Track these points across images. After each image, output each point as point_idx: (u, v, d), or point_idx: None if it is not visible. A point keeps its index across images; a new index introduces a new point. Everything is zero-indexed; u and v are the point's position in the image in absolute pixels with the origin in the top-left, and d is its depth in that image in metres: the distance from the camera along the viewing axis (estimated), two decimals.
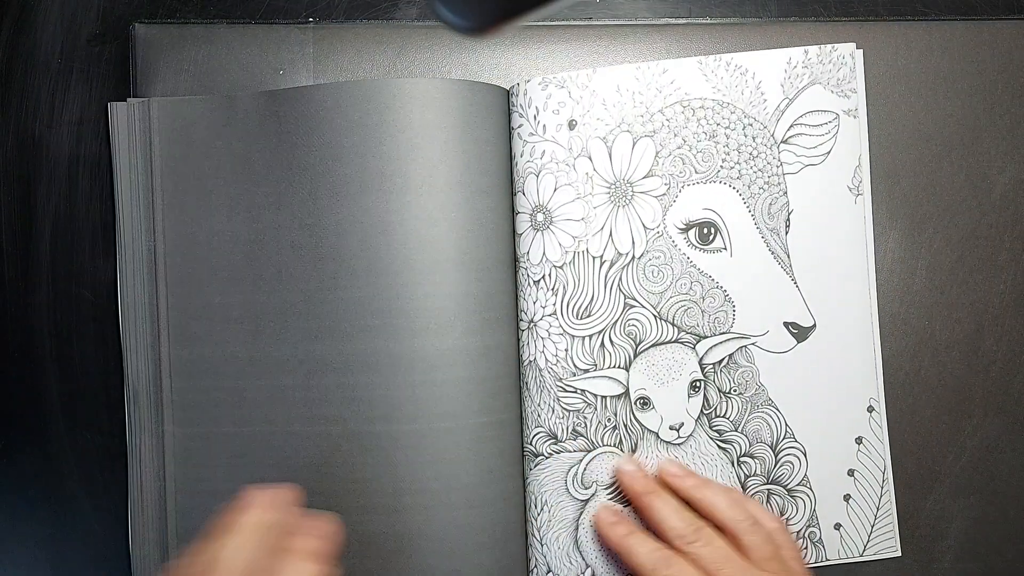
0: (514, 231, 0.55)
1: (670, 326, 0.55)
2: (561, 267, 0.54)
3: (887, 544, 0.56)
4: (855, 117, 0.55)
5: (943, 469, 0.58)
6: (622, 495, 0.54)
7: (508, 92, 0.55)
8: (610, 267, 0.54)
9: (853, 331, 0.55)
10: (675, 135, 0.54)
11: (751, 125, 0.54)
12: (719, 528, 0.51)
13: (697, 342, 0.55)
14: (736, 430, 0.55)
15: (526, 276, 0.55)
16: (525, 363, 0.55)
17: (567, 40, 0.58)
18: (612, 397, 0.54)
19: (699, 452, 0.55)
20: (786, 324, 0.55)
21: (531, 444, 0.55)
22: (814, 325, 0.55)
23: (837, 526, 0.56)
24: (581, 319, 0.54)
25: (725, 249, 0.55)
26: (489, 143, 0.54)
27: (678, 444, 0.55)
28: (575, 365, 0.54)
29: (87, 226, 0.58)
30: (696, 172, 0.55)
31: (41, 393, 0.58)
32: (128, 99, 0.56)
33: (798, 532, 0.54)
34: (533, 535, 0.55)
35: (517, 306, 0.55)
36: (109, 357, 0.57)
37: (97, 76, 0.58)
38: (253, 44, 0.58)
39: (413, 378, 0.53)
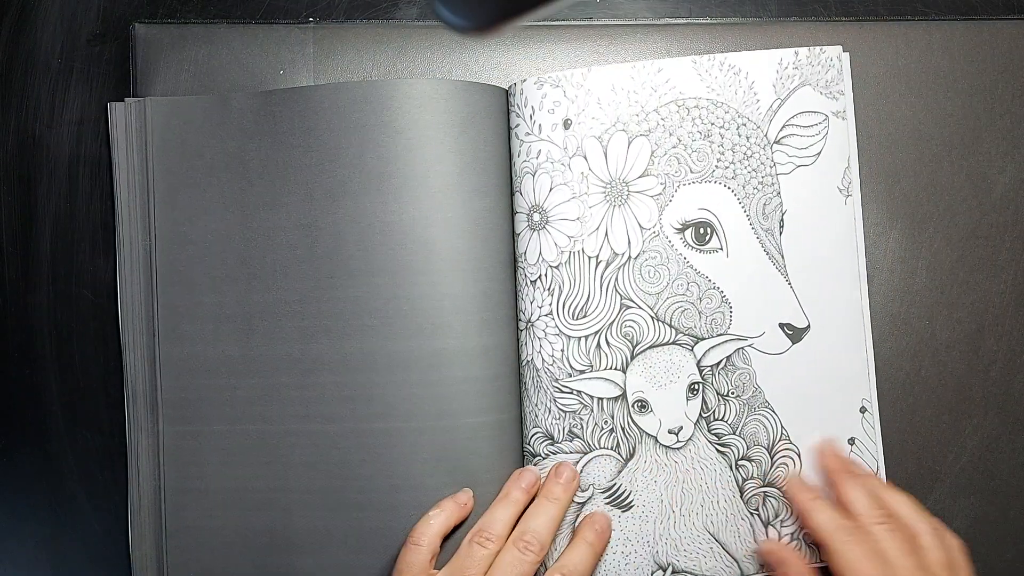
0: (513, 231, 0.55)
1: (667, 327, 0.54)
2: (557, 267, 0.54)
3: None
4: (843, 119, 0.55)
5: (943, 469, 0.57)
6: (618, 501, 0.54)
7: (507, 92, 0.55)
8: (606, 267, 0.54)
9: (845, 332, 0.54)
10: (670, 134, 0.54)
11: (745, 125, 0.54)
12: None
13: (695, 344, 0.54)
14: (734, 433, 0.54)
15: (524, 276, 0.55)
16: (523, 363, 0.55)
17: (567, 40, 0.58)
18: (609, 399, 0.54)
19: (698, 456, 0.54)
20: (781, 325, 0.54)
21: (529, 445, 0.55)
22: (808, 326, 0.54)
23: None
24: (577, 319, 0.54)
25: (721, 249, 0.54)
26: (488, 143, 0.54)
27: (677, 448, 0.54)
28: (571, 366, 0.54)
29: (87, 226, 0.58)
30: (692, 172, 0.54)
31: (41, 393, 0.58)
32: (125, 99, 0.56)
33: (793, 534, 0.54)
34: None
35: (517, 306, 0.55)
36: (109, 357, 0.58)
37: (97, 76, 0.59)
38: (253, 44, 0.58)
39: (411, 377, 0.53)
